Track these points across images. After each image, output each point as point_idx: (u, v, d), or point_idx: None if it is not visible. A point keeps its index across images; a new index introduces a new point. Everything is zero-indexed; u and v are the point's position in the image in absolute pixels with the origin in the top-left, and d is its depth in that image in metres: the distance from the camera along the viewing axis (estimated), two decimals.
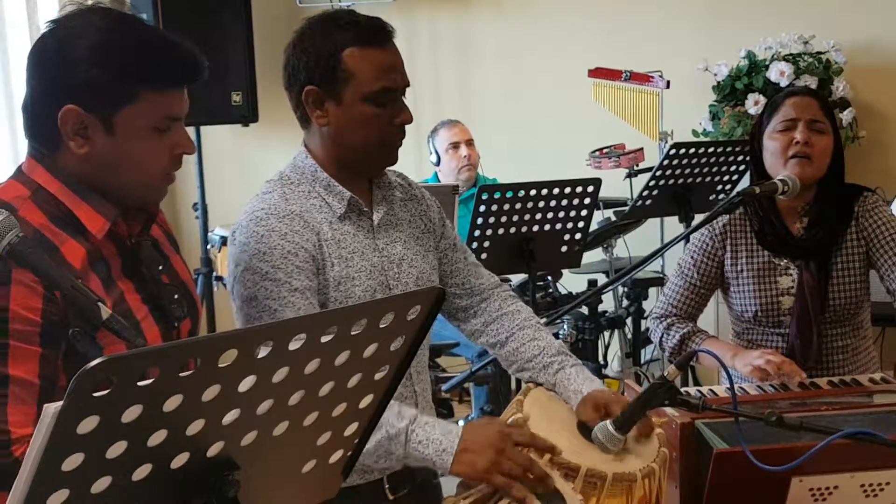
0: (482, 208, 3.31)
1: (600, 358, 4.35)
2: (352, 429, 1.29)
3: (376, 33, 1.86)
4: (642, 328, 4.41)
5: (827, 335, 2.56)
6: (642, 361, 4.57)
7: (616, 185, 4.66)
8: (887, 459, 1.85)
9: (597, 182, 3.46)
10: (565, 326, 3.87)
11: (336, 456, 1.31)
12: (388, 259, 1.93)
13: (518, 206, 3.34)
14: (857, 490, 1.90)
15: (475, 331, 2.08)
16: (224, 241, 4.52)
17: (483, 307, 2.07)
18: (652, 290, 4.47)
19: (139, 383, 0.96)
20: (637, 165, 4.72)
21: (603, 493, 1.71)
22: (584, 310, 4.16)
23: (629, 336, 4.50)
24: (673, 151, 3.79)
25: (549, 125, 5.25)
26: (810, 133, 2.50)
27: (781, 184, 2.45)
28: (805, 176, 2.49)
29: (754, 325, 2.60)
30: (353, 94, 1.84)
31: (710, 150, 3.84)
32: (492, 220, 3.33)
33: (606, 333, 4.49)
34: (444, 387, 3.59)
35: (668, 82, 4.59)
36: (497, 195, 3.31)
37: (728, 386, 1.83)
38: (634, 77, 4.63)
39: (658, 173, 3.85)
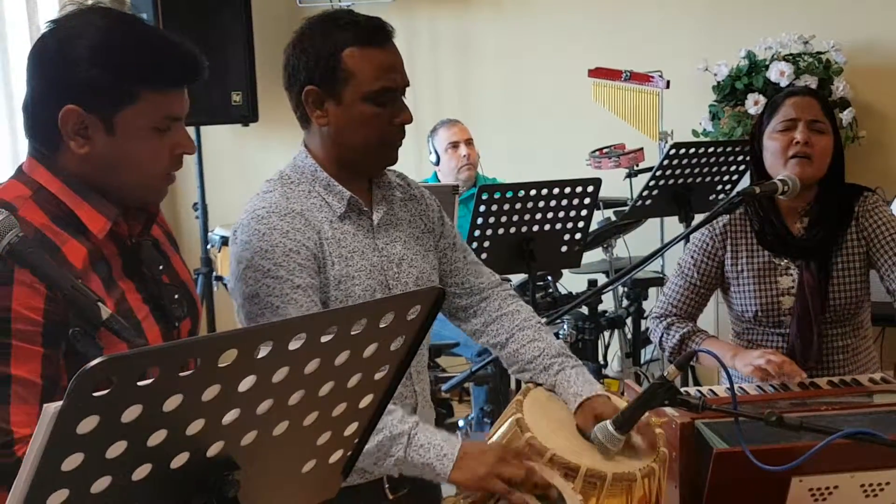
0: (482, 208, 3.31)
1: (600, 358, 4.35)
2: (352, 429, 1.29)
3: (376, 33, 1.86)
4: (642, 328, 4.41)
5: (827, 335, 2.56)
6: (642, 361, 4.57)
7: (616, 185, 4.66)
8: (887, 459, 1.85)
9: (597, 182, 3.46)
10: (565, 326, 3.87)
11: (336, 456, 1.31)
12: (387, 259, 1.94)
13: (518, 206, 3.34)
14: (857, 490, 1.90)
15: (476, 330, 2.08)
16: (224, 241, 4.52)
17: (483, 307, 2.07)
18: (652, 290, 4.47)
19: (139, 383, 0.96)
20: (637, 165, 4.72)
21: (603, 493, 1.71)
22: (584, 310, 4.16)
23: (629, 336, 4.50)
24: (673, 151, 3.79)
25: (548, 125, 5.25)
26: (810, 133, 2.50)
27: (781, 184, 2.45)
28: (805, 176, 2.49)
29: (754, 325, 2.60)
30: (353, 94, 1.84)
31: (710, 150, 3.84)
32: (492, 220, 3.33)
33: (606, 333, 4.49)
34: (444, 387, 3.59)
35: (668, 82, 4.59)
36: (497, 195, 3.31)
37: (728, 386, 1.83)
38: (634, 77, 4.62)
39: (658, 173, 3.85)
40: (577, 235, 3.51)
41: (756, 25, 4.81)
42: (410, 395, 1.96)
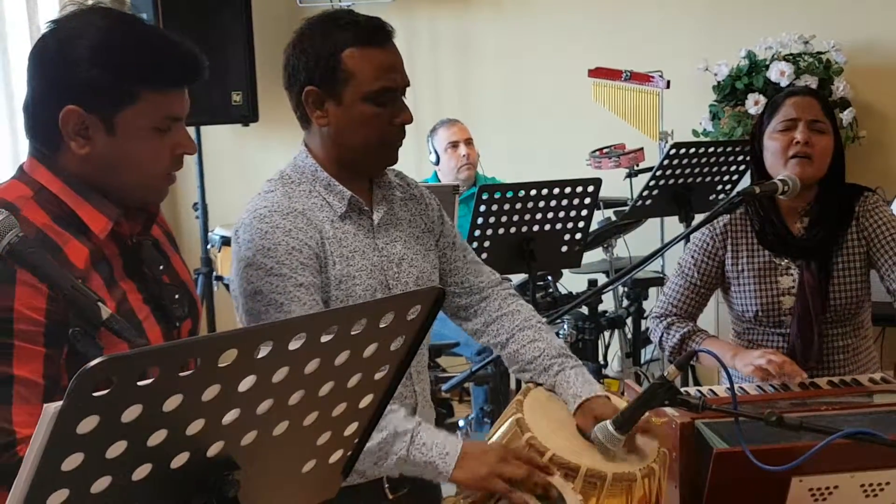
0: (482, 208, 3.31)
1: (600, 358, 4.35)
2: (352, 429, 1.29)
3: (376, 33, 1.86)
4: (642, 328, 4.41)
5: (828, 335, 2.56)
6: (642, 361, 4.57)
7: (616, 184, 4.66)
8: (887, 459, 1.85)
9: (597, 182, 3.46)
10: (565, 326, 3.87)
11: (336, 456, 1.31)
12: (387, 259, 1.94)
13: (518, 205, 3.34)
14: (857, 490, 1.90)
15: (476, 330, 2.08)
16: (224, 241, 4.52)
17: (483, 306, 2.07)
18: (652, 290, 4.47)
19: (139, 383, 0.96)
20: (637, 165, 4.72)
21: (603, 492, 1.71)
22: (584, 310, 4.16)
23: (629, 336, 4.50)
24: (673, 151, 3.79)
25: (548, 125, 5.25)
26: (811, 133, 2.50)
27: (781, 184, 2.45)
28: (805, 176, 2.49)
29: (755, 324, 2.60)
30: (353, 94, 1.84)
31: (711, 150, 3.84)
32: (492, 219, 3.33)
33: (606, 333, 4.49)
34: (444, 387, 3.59)
35: (669, 82, 4.59)
36: (497, 195, 3.31)
37: (728, 386, 1.83)
38: (634, 77, 4.62)
39: (658, 173, 3.85)
40: (578, 235, 3.51)
41: (756, 25, 4.81)
42: (410, 394, 1.96)
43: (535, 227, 3.41)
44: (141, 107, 1.50)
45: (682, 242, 2.68)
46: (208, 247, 4.82)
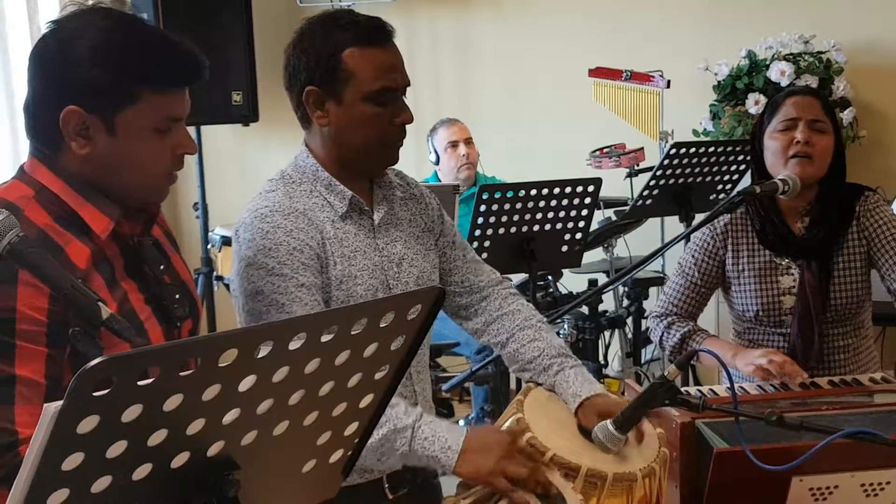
0: (483, 208, 3.31)
1: (600, 358, 4.35)
2: (352, 428, 1.29)
3: (376, 33, 1.86)
4: (642, 328, 4.41)
5: (828, 335, 2.56)
6: (642, 361, 4.57)
7: (616, 184, 4.66)
8: (888, 459, 1.85)
9: (597, 182, 3.46)
10: (566, 326, 3.87)
11: (336, 455, 1.31)
12: (388, 259, 1.94)
13: (518, 205, 3.34)
14: (857, 490, 1.90)
15: (477, 329, 2.08)
16: (224, 241, 4.52)
17: (483, 306, 2.07)
18: (652, 290, 4.47)
19: (139, 383, 0.96)
20: (637, 165, 4.72)
21: (603, 492, 1.71)
22: (585, 309, 4.16)
23: (629, 336, 4.50)
24: (673, 151, 3.79)
25: (548, 125, 5.25)
26: (811, 133, 2.50)
27: (782, 183, 2.45)
28: (806, 175, 2.49)
29: (755, 324, 2.60)
30: (354, 94, 1.84)
31: (711, 149, 3.84)
32: (492, 219, 3.33)
33: (607, 333, 4.49)
34: (444, 387, 3.60)
35: (669, 82, 4.59)
36: (498, 195, 3.31)
37: (728, 385, 1.83)
38: (635, 77, 4.62)
39: (658, 173, 3.85)
40: (578, 235, 3.51)
41: (756, 25, 4.81)
42: (411, 394, 1.96)
43: (536, 227, 3.41)
44: (141, 107, 1.50)
45: (683, 242, 2.68)
46: (208, 247, 4.82)
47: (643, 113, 4.67)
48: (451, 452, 1.73)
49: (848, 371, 2.56)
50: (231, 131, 5.32)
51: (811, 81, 4.49)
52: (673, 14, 5.07)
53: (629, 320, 4.45)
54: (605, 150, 4.74)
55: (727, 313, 2.73)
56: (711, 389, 2.37)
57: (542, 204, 3.37)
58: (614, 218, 4.38)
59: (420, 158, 4.93)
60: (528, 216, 3.37)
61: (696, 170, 3.86)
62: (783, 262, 2.57)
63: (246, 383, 1.06)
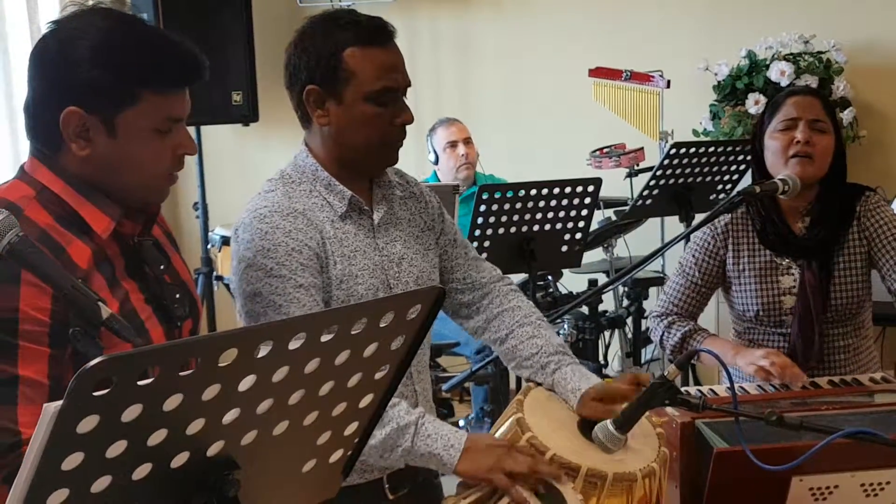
0: (482, 208, 3.31)
1: (600, 358, 4.36)
2: (352, 428, 1.29)
3: (377, 33, 1.86)
4: (642, 328, 4.41)
5: (828, 335, 2.56)
6: (642, 361, 4.57)
7: (616, 184, 4.66)
8: (888, 459, 1.85)
9: (597, 182, 3.46)
10: (566, 326, 3.87)
11: (336, 455, 1.31)
12: (388, 258, 1.94)
13: (518, 205, 3.34)
14: (857, 489, 1.90)
15: (478, 327, 2.08)
16: (224, 241, 4.52)
17: (484, 304, 2.07)
18: (652, 290, 4.47)
19: (139, 382, 0.96)
20: (637, 165, 4.72)
21: (603, 492, 1.71)
22: (585, 309, 4.16)
23: (629, 336, 4.50)
24: (673, 151, 3.79)
25: (548, 125, 5.25)
26: (811, 132, 2.50)
27: (782, 183, 2.45)
28: (806, 175, 2.49)
29: (756, 324, 2.60)
30: (354, 94, 1.84)
31: (711, 149, 3.84)
32: (492, 219, 3.33)
33: (607, 333, 4.49)
34: (444, 386, 3.60)
35: (669, 82, 4.59)
36: (497, 195, 3.31)
37: (728, 385, 1.83)
38: (635, 77, 4.62)
39: (658, 173, 3.85)
40: (578, 235, 3.51)
41: (756, 25, 4.81)
42: (411, 394, 1.96)
43: (536, 227, 3.41)
44: (142, 108, 1.50)
45: (683, 242, 2.68)
46: (208, 247, 4.82)
47: (643, 113, 4.67)
48: (453, 450, 1.73)
49: (848, 371, 2.56)
50: (231, 131, 5.32)
51: (811, 81, 4.49)
52: (673, 14, 5.07)
53: (629, 320, 4.45)
54: (605, 150, 4.74)
55: (727, 313, 2.73)
56: (711, 389, 2.37)
57: (542, 204, 3.37)
58: (614, 218, 4.38)
59: (420, 158, 4.92)
60: (528, 216, 3.37)
61: (696, 170, 3.86)
62: (783, 262, 2.57)
63: (246, 383, 1.06)
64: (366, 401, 1.27)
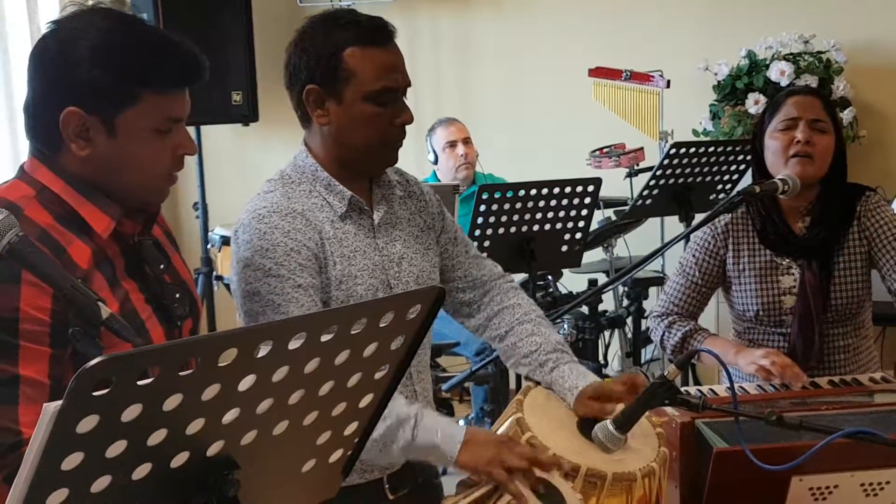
0: (482, 208, 3.31)
1: (600, 357, 4.35)
2: (352, 428, 1.29)
3: (378, 33, 1.86)
4: (642, 328, 4.41)
5: (828, 335, 2.56)
6: (642, 361, 4.57)
7: (616, 184, 4.66)
8: (887, 459, 1.85)
9: (597, 181, 3.46)
10: (565, 326, 3.87)
11: (336, 455, 1.31)
12: (388, 258, 1.94)
13: (518, 205, 3.34)
14: (857, 489, 1.90)
15: (479, 325, 2.08)
16: (224, 240, 4.52)
17: (485, 301, 2.07)
18: (652, 290, 4.47)
19: (139, 382, 0.96)
20: (637, 165, 4.72)
21: (603, 492, 1.71)
22: (585, 309, 4.16)
23: (629, 335, 4.50)
24: (673, 151, 3.79)
25: (549, 125, 5.25)
26: (812, 132, 2.50)
27: (782, 183, 2.45)
28: (806, 175, 2.49)
29: (756, 324, 2.60)
30: (354, 94, 1.84)
31: (711, 149, 3.84)
32: (492, 219, 3.33)
33: (607, 333, 4.49)
34: (444, 386, 3.60)
35: (669, 82, 4.59)
36: (497, 195, 3.31)
37: (728, 385, 1.83)
38: (635, 76, 4.62)
39: (658, 173, 3.85)
40: (578, 235, 3.51)
41: (756, 25, 4.81)
42: (411, 394, 1.96)
43: (536, 227, 3.41)
44: (142, 108, 1.50)
45: (683, 242, 2.68)
46: (208, 246, 4.82)
47: (643, 113, 4.67)
48: (453, 441, 1.73)
49: (848, 371, 2.56)
50: (231, 131, 5.32)
51: (811, 81, 4.49)
52: (673, 14, 5.07)
53: (629, 320, 4.45)
54: (604, 150, 4.74)
55: (727, 313, 2.73)
56: (711, 389, 2.37)
57: (541, 204, 3.37)
58: (614, 218, 4.38)
59: (420, 158, 4.92)
60: (527, 216, 3.37)
61: (696, 170, 3.86)
62: (784, 262, 2.57)
63: (246, 383, 1.06)
64: (366, 401, 1.27)
